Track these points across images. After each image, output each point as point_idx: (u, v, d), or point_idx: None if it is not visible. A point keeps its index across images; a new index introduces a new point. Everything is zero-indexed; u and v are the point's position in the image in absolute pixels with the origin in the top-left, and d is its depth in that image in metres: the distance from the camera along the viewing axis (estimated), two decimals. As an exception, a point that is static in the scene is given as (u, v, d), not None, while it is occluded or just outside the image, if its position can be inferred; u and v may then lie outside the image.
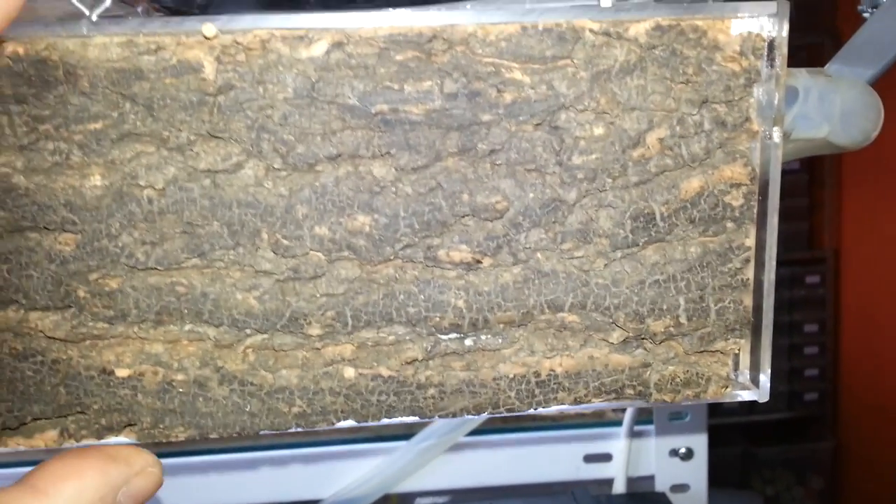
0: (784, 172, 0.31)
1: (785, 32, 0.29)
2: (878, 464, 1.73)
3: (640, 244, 0.31)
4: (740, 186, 0.31)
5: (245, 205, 0.28)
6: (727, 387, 0.33)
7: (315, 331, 0.30)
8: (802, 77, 0.32)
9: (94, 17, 0.29)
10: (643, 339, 0.32)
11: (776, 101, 0.30)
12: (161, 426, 0.30)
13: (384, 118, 0.28)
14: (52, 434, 0.29)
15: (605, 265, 0.31)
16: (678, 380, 0.32)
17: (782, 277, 1.78)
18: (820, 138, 0.33)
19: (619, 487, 0.70)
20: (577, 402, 0.32)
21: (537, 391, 0.32)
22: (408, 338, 0.31)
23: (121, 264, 0.28)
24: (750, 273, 0.32)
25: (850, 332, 1.88)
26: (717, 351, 0.33)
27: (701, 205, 0.30)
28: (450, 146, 0.29)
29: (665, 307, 0.31)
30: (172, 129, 0.27)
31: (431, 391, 0.31)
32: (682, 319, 0.32)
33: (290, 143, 0.28)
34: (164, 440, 0.30)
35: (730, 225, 0.31)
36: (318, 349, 0.30)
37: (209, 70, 0.27)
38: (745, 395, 0.33)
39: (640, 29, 0.28)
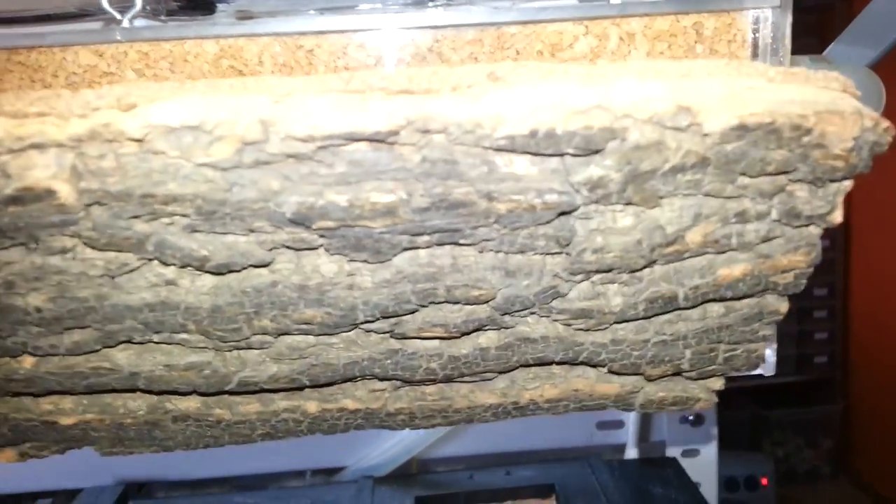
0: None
1: (788, 25, 0.30)
2: (887, 425, 1.75)
3: (651, 317, 0.27)
4: (793, 271, 0.26)
5: (158, 307, 0.24)
6: (716, 400, 0.31)
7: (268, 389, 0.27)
8: (805, 64, 0.33)
9: (127, 23, 0.30)
10: (636, 375, 0.29)
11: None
12: (121, 447, 0.28)
13: (329, 230, 0.22)
14: (11, 453, 0.28)
15: (606, 330, 0.27)
16: (666, 401, 0.30)
17: (793, 242, 1.78)
18: (823, 121, 0.34)
19: (631, 453, 0.72)
20: (554, 414, 0.30)
21: (515, 412, 0.30)
22: (376, 382, 0.28)
23: (27, 353, 0.25)
24: (774, 329, 0.28)
25: (860, 296, 1.89)
26: (712, 377, 0.30)
27: (739, 287, 0.25)
28: (421, 242, 0.23)
29: (668, 359, 0.28)
30: (40, 242, 0.22)
31: (402, 417, 0.29)
32: (685, 367, 0.28)
33: (201, 256, 0.22)
34: (126, 455, 0.29)
35: (769, 296, 0.27)
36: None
37: (66, 193, 0.21)
38: (752, 370, 0.34)
39: (714, 126, 0.21)
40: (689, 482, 0.65)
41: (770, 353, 0.34)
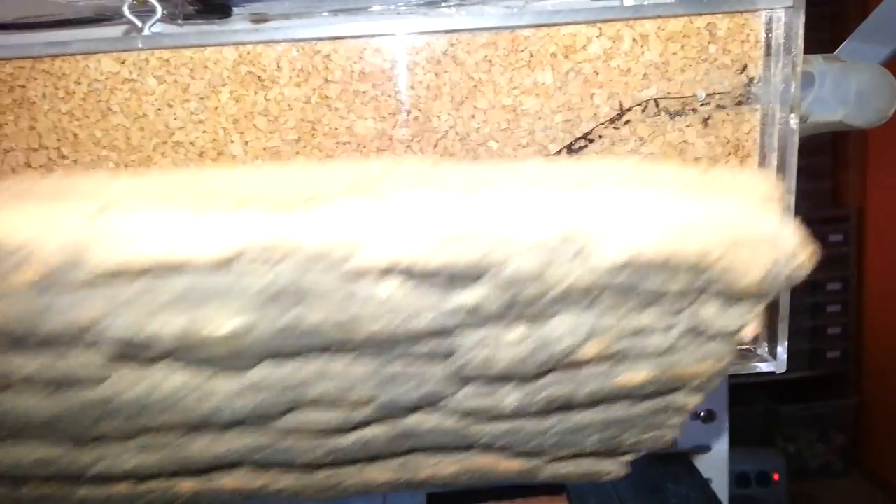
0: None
1: (801, 26, 0.30)
2: (901, 420, 1.74)
3: (550, 412, 0.25)
4: (702, 376, 0.23)
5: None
6: (628, 470, 0.30)
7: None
8: (818, 63, 0.33)
9: (148, 30, 0.31)
10: (540, 456, 0.28)
11: (793, 88, 0.31)
12: None
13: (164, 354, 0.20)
14: None
15: (500, 422, 0.25)
16: (573, 475, 0.29)
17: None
18: (836, 121, 0.34)
19: (642, 449, 0.72)
20: (456, 488, 0.28)
21: (413, 486, 0.28)
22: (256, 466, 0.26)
23: None
24: (684, 417, 0.26)
25: (873, 291, 1.88)
26: (623, 454, 0.29)
27: (642, 390, 0.23)
28: (281, 355, 0.20)
29: (572, 444, 0.26)
30: None
31: (288, 493, 0.27)
32: (590, 451, 0.27)
33: (21, 376, 0.20)
34: None
35: (678, 395, 0.24)
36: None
37: None
38: (764, 367, 0.35)
39: (600, 260, 0.19)
40: (701, 478, 0.65)
41: (781, 350, 0.34)
